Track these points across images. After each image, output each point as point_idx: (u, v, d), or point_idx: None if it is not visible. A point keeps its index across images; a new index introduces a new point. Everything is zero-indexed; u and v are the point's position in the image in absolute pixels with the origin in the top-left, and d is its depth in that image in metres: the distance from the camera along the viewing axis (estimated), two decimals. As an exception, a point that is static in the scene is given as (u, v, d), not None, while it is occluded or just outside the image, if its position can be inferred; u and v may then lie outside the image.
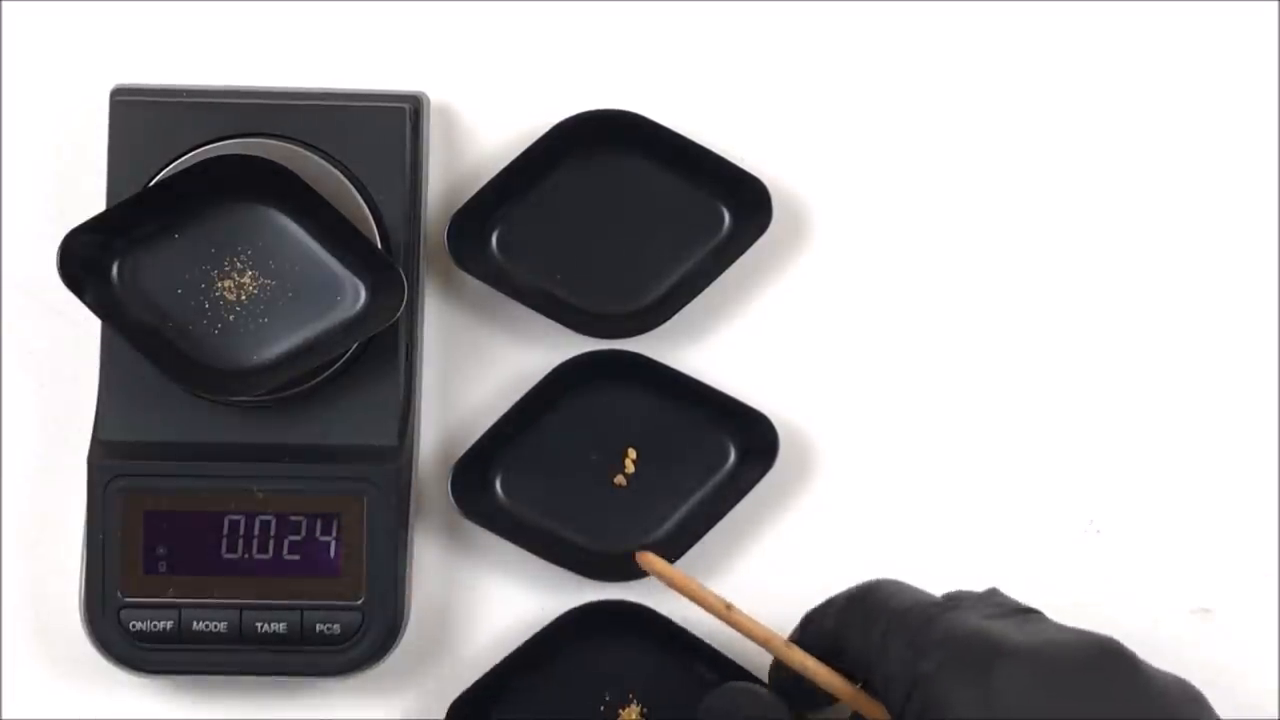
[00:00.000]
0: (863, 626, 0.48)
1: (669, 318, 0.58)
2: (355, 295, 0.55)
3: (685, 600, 0.52)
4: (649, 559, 0.52)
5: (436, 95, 0.59)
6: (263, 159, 0.54)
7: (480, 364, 0.59)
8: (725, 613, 0.50)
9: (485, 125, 0.60)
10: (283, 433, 0.55)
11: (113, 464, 0.54)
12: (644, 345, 0.58)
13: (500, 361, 0.59)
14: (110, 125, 0.56)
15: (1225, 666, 0.58)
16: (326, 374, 0.55)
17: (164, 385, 0.54)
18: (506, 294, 0.58)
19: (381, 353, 0.56)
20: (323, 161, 0.55)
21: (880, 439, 0.59)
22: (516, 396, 0.57)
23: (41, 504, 0.57)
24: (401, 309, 0.53)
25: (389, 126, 0.56)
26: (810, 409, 0.59)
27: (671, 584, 0.51)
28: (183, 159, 0.55)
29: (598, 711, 0.56)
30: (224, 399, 0.55)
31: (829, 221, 0.60)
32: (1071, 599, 0.58)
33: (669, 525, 0.57)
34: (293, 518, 0.55)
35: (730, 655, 0.56)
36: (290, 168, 0.54)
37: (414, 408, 0.57)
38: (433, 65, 0.60)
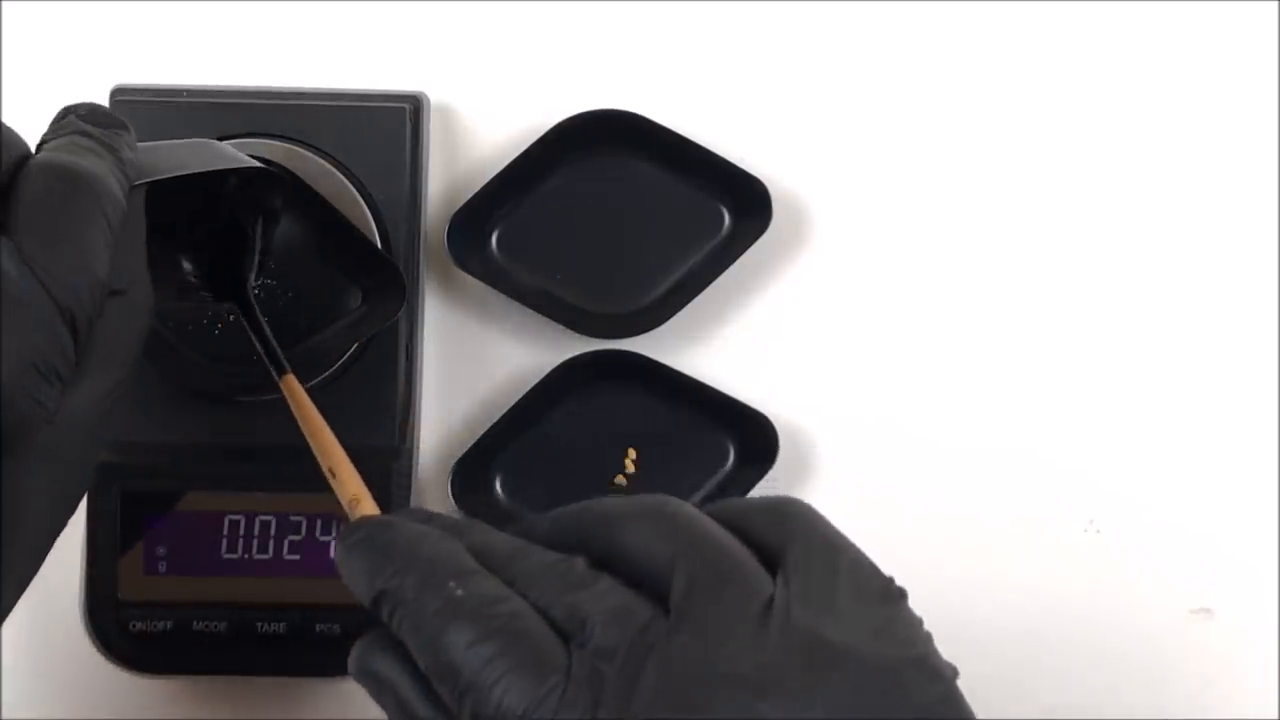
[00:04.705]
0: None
1: (669, 318, 0.58)
2: (355, 295, 0.55)
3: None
4: (290, 382, 0.47)
5: (436, 95, 0.59)
6: (262, 159, 0.54)
7: (480, 364, 0.59)
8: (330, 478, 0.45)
9: (485, 125, 0.60)
10: (283, 433, 0.55)
11: (113, 464, 0.54)
12: (644, 345, 0.58)
13: (500, 361, 0.59)
14: (110, 125, 0.56)
15: (1225, 666, 0.59)
16: (326, 374, 0.55)
17: (164, 385, 0.54)
18: (506, 294, 0.58)
19: (381, 353, 0.55)
20: (323, 161, 0.55)
21: (880, 439, 0.59)
22: (516, 396, 0.57)
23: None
24: (401, 309, 0.53)
25: (389, 126, 0.56)
26: (810, 409, 0.59)
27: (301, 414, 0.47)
28: (183, 159, 0.55)
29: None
30: (223, 399, 0.55)
31: (829, 221, 0.60)
32: (1071, 599, 0.59)
33: (669, 525, 0.57)
34: (293, 518, 0.55)
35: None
36: (290, 168, 0.54)
37: (414, 408, 0.57)
38: (433, 65, 0.60)
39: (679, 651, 0.36)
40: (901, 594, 0.39)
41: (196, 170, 0.45)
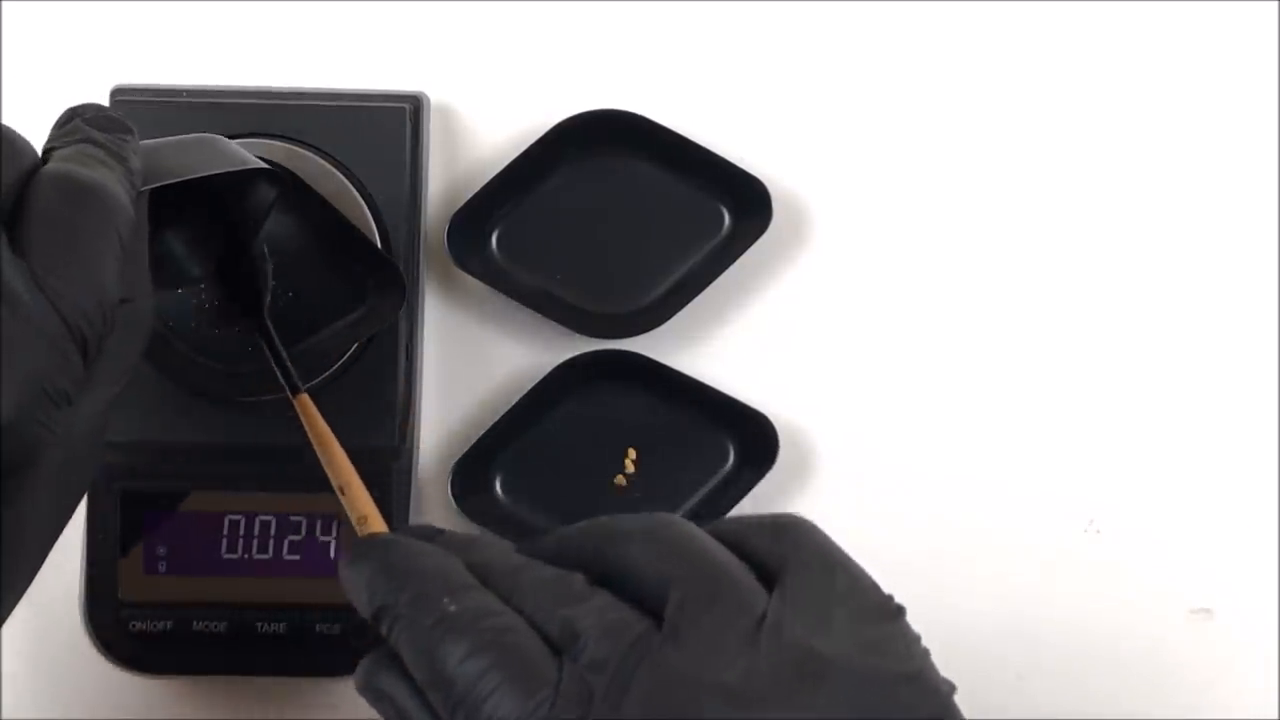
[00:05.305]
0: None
1: (669, 318, 0.58)
2: (355, 295, 0.55)
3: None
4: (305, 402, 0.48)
5: (436, 95, 0.59)
6: (263, 159, 0.54)
7: (480, 364, 0.59)
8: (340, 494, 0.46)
9: (485, 125, 0.60)
10: (283, 433, 0.55)
11: (113, 464, 0.54)
12: (644, 345, 0.58)
13: (500, 361, 0.59)
14: (110, 125, 0.56)
15: (1225, 666, 0.59)
16: (327, 374, 0.55)
17: (164, 385, 0.54)
18: (506, 294, 0.58)
19: (381, 353, 0.55)
20: (323, 161, 0.55)
21: (880, 439, 0.59)
22: (516, 396, 0.57)
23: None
24: (401, 309, 0.53)
25: (389, 126, 0.56)
26: (810, 409, 0.59)
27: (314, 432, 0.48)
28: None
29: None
30: (223, 399, 0.55)
31: (829, 221, 0.60)
32: (1071, 599, 0.59)
33: (669, 525, 0.57)
34: (293, 518, 0.55)
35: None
36: (290, 168, 0.54)
37: (414, 408, 0.57)
38: (433, 65, 0.60)
39: (668, 662, 0.36)
40: (900, 611, 0.39)
41: (202, 174, 0.44)
